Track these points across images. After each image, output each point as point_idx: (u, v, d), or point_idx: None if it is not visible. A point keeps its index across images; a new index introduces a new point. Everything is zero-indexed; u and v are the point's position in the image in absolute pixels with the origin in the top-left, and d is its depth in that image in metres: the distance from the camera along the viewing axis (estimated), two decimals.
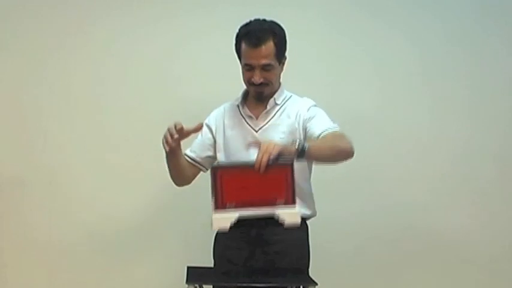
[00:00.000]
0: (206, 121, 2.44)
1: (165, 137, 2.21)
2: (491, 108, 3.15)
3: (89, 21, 2.97)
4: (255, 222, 2.12)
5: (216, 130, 2.42)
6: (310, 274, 2.14)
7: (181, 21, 3.00)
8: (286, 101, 2.36)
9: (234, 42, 2.31)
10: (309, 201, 2.41)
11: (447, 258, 3.11)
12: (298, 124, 2.30)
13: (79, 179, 2.96)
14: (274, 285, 2.00)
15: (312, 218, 2.42)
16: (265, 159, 1.96)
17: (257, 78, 2.25)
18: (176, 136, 2.18)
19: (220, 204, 1.99)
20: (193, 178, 2.43)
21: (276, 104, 2.34)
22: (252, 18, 2.30)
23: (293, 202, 2.02)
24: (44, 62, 2.95)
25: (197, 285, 1.99)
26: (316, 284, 2.00)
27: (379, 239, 3.08)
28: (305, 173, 2.37)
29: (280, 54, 2.27)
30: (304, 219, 2.35)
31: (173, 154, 2.27)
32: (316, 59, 3.05)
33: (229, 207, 2.00)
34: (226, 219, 1.99)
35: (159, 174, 2.96)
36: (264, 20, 2.30)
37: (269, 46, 2.22)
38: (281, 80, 2.39)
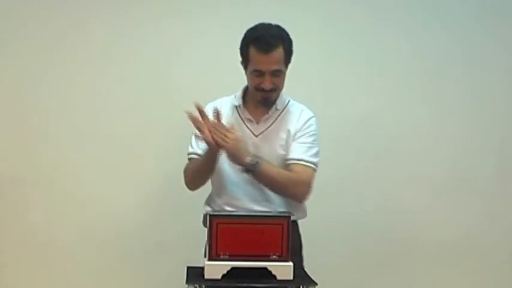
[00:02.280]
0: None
1: (209, 134, 2.09)
2: (491, 109, 3.15)
3: (89, 22, 2.97)
4: None
5: None
6: (310, 274, 2.14)
7: (182, 21, 3.00)
8: (285, 106, 2.33)
9: (239, 45, 2.26)
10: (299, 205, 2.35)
11: (447, 258, 3.11)
12: (292, 137, 2.27)
13: (79, 179, 2.96)
14: (274, 285, 2.00)
15: (304, 219, 2.40)
16: (216, 139, 2.04)
17: (268, 84, 2.20)
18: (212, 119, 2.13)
19: (214, 253, 2.00)
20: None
21: (277, 110, 2.30)
22: (258, 22, 2.26)
23: (287, 257, 2.03)
24: (44, 62, 2.95)
25: (197, 285, 1.99)
26: (316, 284, 2.00)
27: (379, 239, 3.08)
28: None
29: (288, 59, 2.25)
30: (295, 221, 2.34)
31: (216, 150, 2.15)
32: (316, 59, 3.05)
33: (222, 258, 2.00)
34: (218, 269, 1.99)
35: (159, 174, 2.98)
36: (270, 25, 2.25)
37: (279, 52, 2.18)
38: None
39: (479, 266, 3.13)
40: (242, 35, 2.26)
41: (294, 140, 2.26)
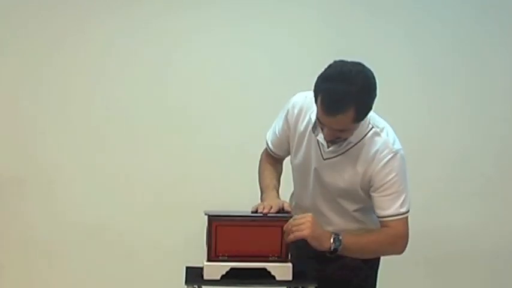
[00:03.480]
0: (288, 111, 2.13)
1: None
2: (491, 109, 3.15)
3: (88, 22, 2.97)
4: None
5: (291, 127, 2.12)
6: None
7: (182, 20, 3.00)
8: (364, 137, 2.01)
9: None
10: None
11: (447, 258, 3.11)
12: (365, 180, 2.00)
13: (78, 179, 2.96)
14: (274, 285, 2.00)
15: None
16: (290, 238, 1.90)
17: (328, 137, 1.94)
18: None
19: (213, 254, 1.99)
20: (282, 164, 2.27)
21: (351, 142, 1.99)
22: (339, 64, 1.99)
23: (286, 257, 2.01)
24: (43, 62, 2.95)
25: (196, 286, 1.99)
26: (316, 284, 2.00)
27: None
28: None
29: (362, 116, 1.93)
30: None
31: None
32: (316, 59, 3.04)
33: (221, 259, 1.99)
34: (217, 270, 1.98)
35: (158, 174, 2.98)
36: (350, 75, 1.92)
37: (348, 115, 1.86)
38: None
39: (479, 266, 3.13)
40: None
41: (374, 192, 1.99)
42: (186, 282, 1.99)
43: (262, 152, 2.27)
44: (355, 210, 2.09)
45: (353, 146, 2.01)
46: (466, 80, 3.14)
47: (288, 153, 2.20)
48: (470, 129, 3.14)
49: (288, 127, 2.13)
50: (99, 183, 2.96)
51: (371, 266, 2.19)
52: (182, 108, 2.96)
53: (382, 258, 2.86)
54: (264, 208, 1.99)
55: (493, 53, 3.15)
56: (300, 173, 2.15)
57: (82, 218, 2.95)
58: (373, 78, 1.99)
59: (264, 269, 2.00)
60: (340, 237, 1.91)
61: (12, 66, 2.95)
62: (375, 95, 1.98)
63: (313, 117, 1.99)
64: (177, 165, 2.98)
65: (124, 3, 3.00)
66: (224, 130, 2.99)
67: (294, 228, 1.90)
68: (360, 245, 1.98)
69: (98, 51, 2.98)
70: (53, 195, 2.96)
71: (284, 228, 1.94)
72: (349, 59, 3.16)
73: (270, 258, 2.02)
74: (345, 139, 1.96)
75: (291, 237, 1.91)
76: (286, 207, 2.02)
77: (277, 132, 2.18)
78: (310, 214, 1.94)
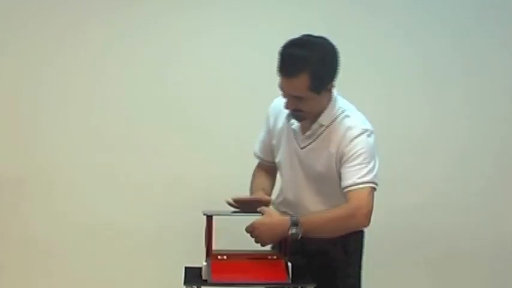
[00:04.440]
0: (268, 114, 2.25)
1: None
2: (491, 109, 3.15)
3: (87, 22, 2.97)
4: None
5: (272, 127, 2.22)
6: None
7: (182, 20, 3.00)
8: (334, 121, 2.09)
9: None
10: None
11: (447, 258, 3.11)
12: (337, 159, 2.07)
13: (78, 179, 2.96)
14: (274, 285, 2.00)
15: None
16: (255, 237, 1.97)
17: (289, 105, 2.04)
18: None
19: (210, 252, 1.99)
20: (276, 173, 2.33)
21: (321, 126, 2.08)
22: (302, 35, 2.06)
23: (286, 255, 2.02)
24: (43, 62, 2.95)
25: (195, 286, 1.99)
26: (316, 284, 2.00)
27: (379, 239, 3.07)
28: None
29: (318, 86, 2.00)
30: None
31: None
32: None
33: (220, 259, 1.99)
34: None
35: (158, 174, 2.98)
36: (308, 42, 2.03)
37: (302, 79, 1.96)
38: (334, 93, 2.12)
39: (479, 266, 3.12)
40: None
41: (343, 167, 2.05)
42: (185, 283, 1.99)
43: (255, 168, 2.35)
44: (336, 197, 2.10)
45: (325, 129, 2.08)
46: (466, 80, 3.14)
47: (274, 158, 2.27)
48: (470, 129, 3.14)
49: (269, 129, 2.24)
50: (99, 183, 2.96)
51: (354, 257, 2.26)
52: (182, 108, 2.96)
53: (379, 259, 2.87)
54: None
55: (493, 53, 3.15)
56: (284, 169, 2.20)
57: (82, 217, 2.95)
58: (335, 53, 2.07)
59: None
60: (298, 221, 1.96)
61: (12, 66, 2.95)
62: (334, 70, 2.05)
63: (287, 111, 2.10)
64: (177, 165, 2.98)
65: (124, 3, 3.00)
66: (224, 130, 2.98)
67: (255, 241, 1.98)
68: (321, 223, 2.01)
69: (98, 51, 2.98)
70: (53, 195, 2.96)
71: (250, 231, 1.97)
72: (349, 59, 3.18)
73: (269, 258, 2.02)
74: (307, 112, 2.04)
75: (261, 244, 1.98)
76: (262, 197, 2.12)
77: (262, 139, 2.29)
78: (254, 222, 1.98)
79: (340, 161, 2.06)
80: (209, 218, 2.01)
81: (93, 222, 2.95)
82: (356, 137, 2.06)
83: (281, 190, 2.27)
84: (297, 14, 3.02)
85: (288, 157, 2.17)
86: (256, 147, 2.32)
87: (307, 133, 2.10)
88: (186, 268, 2.08)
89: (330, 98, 2.10)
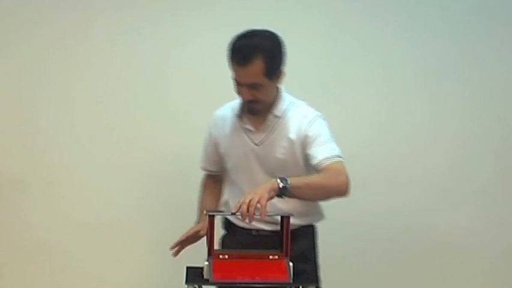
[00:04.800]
0: (207, 132, 2.39)
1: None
2: (491, 109, 3.15)
3: (88, 21, 2.98)
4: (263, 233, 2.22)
5: (217, 139, 2.34)
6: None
7: (182, 21, 3.00)
8: (287, 111, 2.22)
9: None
10: (314, 210, 2.36)
11: (447, 258, 3.11)
12: (298, 144, 2.18)
13: (79, 179, 2.96)
14: (274, 285, 2.00)
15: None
16: (251, 211, 1.92)
17: (245, 96, 2.14)
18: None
19: (213, 252, 2.00)
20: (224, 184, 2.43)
21: (276, 117, 2.21)
22: (246, 30, 2.16)
23: (287, 256, 2.02)
24: (43, 62, 2.96)
25: (196, 286, 1.99)
26: (316, 284, 2.00)
27: (379, 239, 3.08)
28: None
29: (271, 71, 2.11)
30: (312, 225, 2.36)
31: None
32: (317, 59, 3.05)
33: (222, 258, 1.99)
34: None
35: (159, 174, 2.99)
36: (256, 33, 2.14)
37: (257, 65, 2.07)
38: (281, 87, 2.26)
39: (479, 266, 3.13)
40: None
41: (306, 150, 2.16)
42: (186, 282, 1.99)
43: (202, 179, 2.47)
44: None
45: (279, 120, 2.20)
46: (466, 80, 3.15)
47: (223, 167, 2.36)
48: (471, 129, 3.14)
49: (214, 141, 2.34)
50: (99, 183, 2.96)
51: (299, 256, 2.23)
52: (183, 108, 2.96)
53: (379, 259, 2.87)
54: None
55: (494, 52, 3.15)
56: (240, 171, 2.25)
57: (82, 217, 2.95)
58: (282, 42, 2.17)
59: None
60: (286, 178, 2.02)
61: (12, 66, 2.95)
62: (283, 56, 2.16)
63: (235, 111, 2.24)
64: (178, 165, 2.98)
65: (124, 3, 3.00)
66: None
67: (251, 209, 1.93)
68: (306, 183, 2.07)
69: (98, 51, 2.98)
70: (53, 195, 2.96)
71: (243, 213, 1.94)
72: (350, 59, 3.20)
73: (271, 258, 2.02)
74: (262, 101, 2.14)
75: (251, 210, 1.92)
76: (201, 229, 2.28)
77: (205, 152, 2.40)
78: (248, 192, 1.99)
79: (304, 143, 2.17)
80: (211, 218, 2.01)
81: (93, 222, 2.95)
82: (313, 120, 2.20)
83: (232, 197, 2.30)
84: (298, 14, 3.03)
85: (243, 159, 2.24)
86: (202, 160, 2.44)
87: (262, 127, 2.20)
88: (187, 268, 2.08)
89: (278, 90, 2.22)
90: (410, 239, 3.09)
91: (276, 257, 2.02)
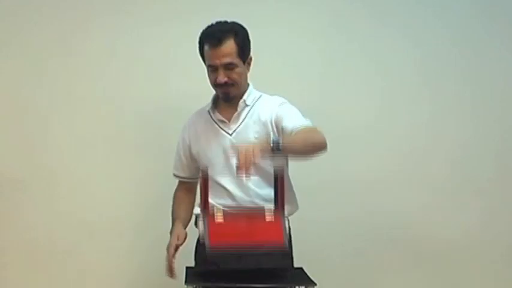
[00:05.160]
0: (179, 138, 2.46)
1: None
2: (491, 109, 3.15)
3: (89, 22, 2.98)
4: None
5: (190, 141, 2.41)
6: (310, 274, 2.14)
7: (182, 21, 3.00)
8: (257, 100, 2.34)
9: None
10: (291, 199, 2.38)
11: (447, 258, 3.11)
12: (271, 123, 2.27)
13: (79, 179, 2.96)
14: (274, 285, 2.00)
15: (297, 215, 2.41)
16: (248, 164, 1.94)
17: (221, 77, 2.24)
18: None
19: (206, 207, 2.01)
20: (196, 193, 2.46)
21: (247, 105, 2.32)
22: (214, 21, 2.30)
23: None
24: (44, 61, 2.96)
25: (196, 286, 1.99)
26: (316, 284, 2.00)
27: (379, 239, 3.08)
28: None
29: (243, 53, 2.26)
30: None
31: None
32: (316, 58, 3.05)
33: (218, 221, 2.00)
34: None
35: (159, 174, 2.98)
36: (226, 22, 2.29)
37: (230, 45, 2.22)
38: (249, 81, 2.37)
39: (479, 266, 3.13)
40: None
41: (281, 124, 2.24)
42: (186, 282, 1.99)
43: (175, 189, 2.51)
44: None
45: (250, 108, 2.31)
46: (466, 79, 3.15)
47: (197, 172, 2.41)
48: (471, 129, 3.14)
49: (187, 141, 2.41)
50: (99, 183, 2.97)
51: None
52: (184, 108, 2.95)
53: (379, 259, 2.87)
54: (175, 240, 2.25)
55: (494, 52, 3.15)
56: (220, 167, 2.29)
57: (82, 218, 2.95)
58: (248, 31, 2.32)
59: (264, 269, 2.00)
60: (275, 137, 2.13)
61: (13, 66, 2.96)
62: (250, 44, 2.30)
63: (206, 108, 2.37)
64: None
65: (125, 5, 3.00)
66: None
67: (248, 157, 1.94)
68: (293, 139, 2.13)
69: (99, 52, 2.99)
70: (53, 196, 2.96)
71: (243, 162, 1.94)
72: (349, 59, 3.20)
73: (267, 214, 2.02)
74: (237, 85, 2.25)
75: (254, 160, 1.94)
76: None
77: (178, 158, 2.46)
78: (241, 146, 2.01)
79: (277, 121, 2.26)
80: (204, 173, 2.04)
81: (94, 222, 2.95)
82: (283, 103, 2.31)
83: (218, 194, 2.31)
84: (298, 14, 3.03)
85: (221, 151, 2.30)
86: (175, 168, 2.49)
87: (235, 114, 2.30)
88: (187, 268, 2.08)
89: (249, 84, 2.35)
90: (410, 239, 3.09)
91: (271, 214, 2.00)
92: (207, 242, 1.95)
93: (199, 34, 2.29)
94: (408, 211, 3.09)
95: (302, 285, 2.02)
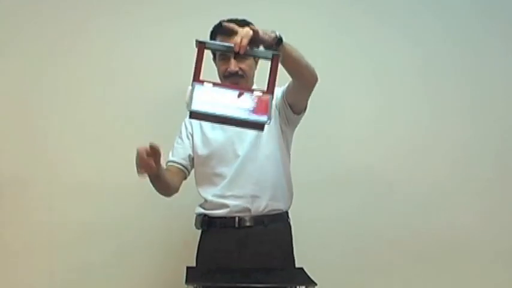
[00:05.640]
0: (183, 124, 2.49)
1: (140, 163, 2.14)
2: (491, 109, 3.16)
3: (89, 22, 2.98)
4: (243, 223, 2.26)
5: (193, 130, 2.45)
6: (310, 274, 2.14)
7: (182, 21, 3.00)
8: None
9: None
10: (289, 194, 2.42)
11: (447, 258, 3.11)
12: (278, 108, 2.32)
13: (79, 179, 2.96)
14: (274, 285, 2.00)
15: (297, 214, 2.44)
16: (244, 41, 1.91)
17: (233, 66, 2.27)
18: (151, 159, 2.14)
19: (197, 78, 1.96)
20: (181, 184, 2.46)
21: None
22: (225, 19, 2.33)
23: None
24: (44, 61, 2.96)
25: (196, 286, 1.99)
26: (316, 284, 2.00)
27: (379, 239, 3.08)
28: (286, 164, 2.39)
29: (254, 46, 2.23)
30: (287, 215, 2.39)
31: (157, 175, 2.24)
32: (316, 58, 3.05)
33: (206, 84, 1.95)
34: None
35: None
36: (237, 19, 2.32)
37: None
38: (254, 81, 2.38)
39: (479, 266, 3.12)
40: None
41: (278, 100, 2.32)
42: (186, 282, 1.99)
43: None
44: (276, 151, 2.33)
45: None
46: (466, 79, 3.15)
47: (188, 164, 2.44)
48: (471, 129, 3.14)
49: (189, 130, 2.44)
50: (100, 183, 2.96)
51: (284, 250, 2.35)
52: (184, 108, 2.95)
53: (379, 259, 2.87)
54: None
55: (494, 52, 3.16)
56: (223, 157, 2.34)
57: (83, 217, 2.95)
58: None
59: (264, 269, 2.00)
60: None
61: (14, 66, 2.95)
62: None
63: None
64: None
65: (126, 5, 3.00)
66: None
67: (246, 35, 1.92)
68: (293, 48, 2.09)
69: (100, 50, 2.99)
70: (53, 195, 2.96)
71: (239, 40, 1.92)
72: (348, 59, 3.20)
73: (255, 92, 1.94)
74: (246, 77, 2.28)
75: (250, 39, 1.91)
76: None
77: (177, 145, 2.46)
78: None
79: (277, 98, 2.32)
80: (200, 45, 1.99)
81: (94, 221, 2.95)
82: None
83: (207, 187, 2.38)
84: (298, 14, 3.03)
85: (225, 140, 2.34)
86: (171, 155, 2.46)
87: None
88: (187, 268, 2.08)
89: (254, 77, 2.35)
90: (410, 239, 3.09)
91: (260, 93, 1.93)
92: (189, 105, 1.94)
93: (211, 28, 2.33)
94: (408, 211, 3.09)
95: (302, 285, 2.02)
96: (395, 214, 3.08)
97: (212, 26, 2.73)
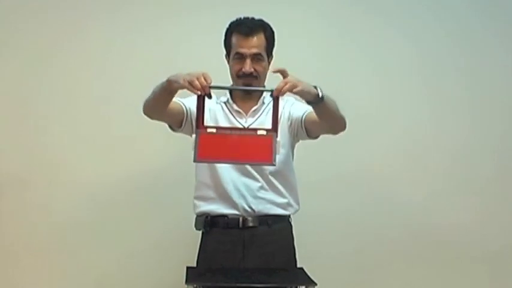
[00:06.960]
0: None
1: (196, 79, 2.01)
2: (490, 108, 3.16)
3: (89, 21, 2.98)
4: (247, 223, 2.24)
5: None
6: (310, 274, 2.14)
7: (182, 21, 3.01)
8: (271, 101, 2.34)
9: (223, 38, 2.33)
10: (294, 194, 2.40)
11: (447, 258, 3.11)
12: (284, 121, 2.30)
13: (79, 179, 2.96)
14: (274, 285, 2.00)
15: (297, 213, 2.42)
16: (286, 89, 1.93)
17: (248, 67, 2.24)
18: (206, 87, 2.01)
19: (201, 125, 2.00)
20: (171, 114, 2.37)
21: (264, 103, 2.35)
22: (242, 17, 2.33)
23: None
24: (44, 60, 2.96)
25: (196, 286, 1.99)
26: (316, 284, 2.00)
27: (379, 238, 3.08)
28: (289, 162, 2.38)
29: (269, 48, 2.30)
30: (289, 217, 2.39)
31: (174, 93, 2.18)
32: (315, 58, 3.05)
33: (210, 131, 1.99)
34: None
35: (160, 175, 2.99)
36: (254, 18, 2.32)
37: (260, 38, 2.26)
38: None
39: (479, 266, 3.12)
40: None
41: (294, 116, 2.30)
42: (186, 282, 1.99)
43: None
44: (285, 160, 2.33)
45: (266, 107, 2.32)
46: (465, 78, 3.15)
47: (185, 114, 2.35)
48: (470, 128, 3.14)
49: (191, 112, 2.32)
50: (100, 183, 2.96)
51: (287, 251, 2.35)
52: None
53: (379, 259, 2.87)
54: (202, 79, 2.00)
55: (493, 51, 3.16)
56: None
57: (83, 217, 2.95)
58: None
59: (264, 269, 2.00)
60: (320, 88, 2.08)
61: (14, 65, 2.95)
62: (275, 42, 2.35)
63: (222, 99, 2.36)
64: (179, 165, 2.98)
65: (125, 3, 3.00)
66: None
67: (292, 83, 1.95)
68: (332, 99, 2.13)
69: (99, 50, 2.99)
70: (53, 195, 2.96)
71: (283, 84, 1.93)
72: (348, 58, 3.20)
73: (259, 134, 2.00)
74: (259, 78, 2.25)
75: (294, 90, 1.95)
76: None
77: (184, 99, 2.34)
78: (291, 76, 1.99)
79: (290, 113, 2.32)
80: (200, 96, 2.00)
81: (94, 221, 2.95)
82: (294, 102, 2.35)
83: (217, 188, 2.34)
84: (298, 14, 3.03)
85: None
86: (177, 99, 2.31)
87: (253, 108, 2.33)
88: (187, 268, 2.08)
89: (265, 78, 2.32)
90: (410, 239, 3.09)
91: (264, 132, 1.98)
92: (195, 153, 1.94)
93: (227, 27, 2.32)
94: (408, 211, 3.09)
95: (302, 285, 2.02)
96: (395, 214, 3.08)
97: (212, 25, 2.75)
